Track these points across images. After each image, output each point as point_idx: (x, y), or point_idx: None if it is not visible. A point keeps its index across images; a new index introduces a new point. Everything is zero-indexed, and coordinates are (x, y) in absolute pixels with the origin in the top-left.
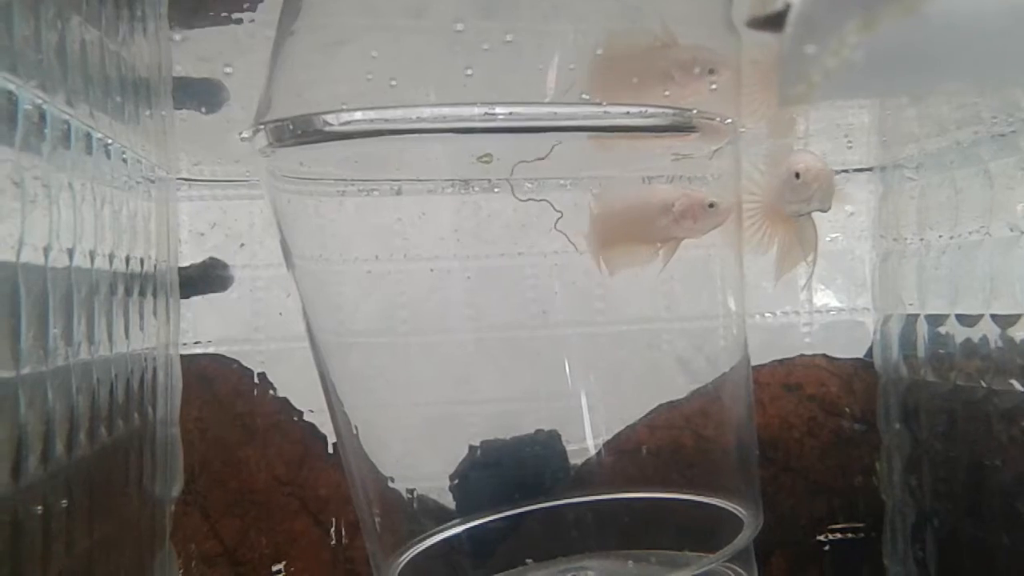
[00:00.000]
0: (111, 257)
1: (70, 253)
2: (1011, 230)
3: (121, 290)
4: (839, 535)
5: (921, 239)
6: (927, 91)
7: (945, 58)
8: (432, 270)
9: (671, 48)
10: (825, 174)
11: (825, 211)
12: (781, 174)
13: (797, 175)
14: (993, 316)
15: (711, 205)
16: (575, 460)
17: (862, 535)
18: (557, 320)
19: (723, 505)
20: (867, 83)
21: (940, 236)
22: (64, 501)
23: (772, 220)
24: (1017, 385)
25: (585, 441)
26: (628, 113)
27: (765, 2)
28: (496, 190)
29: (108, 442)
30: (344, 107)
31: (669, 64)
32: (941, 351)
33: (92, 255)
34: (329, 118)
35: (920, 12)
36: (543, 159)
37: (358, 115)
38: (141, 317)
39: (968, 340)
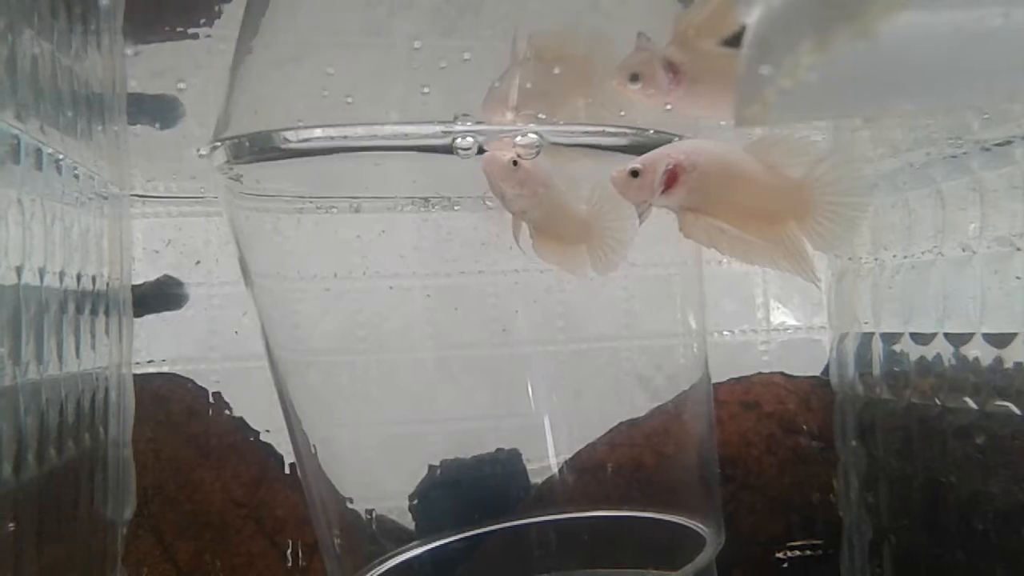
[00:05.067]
0: (61, 275)
1: (18, 271)
2: (963, 250)
3: (72, 308)
4: (798, 552)
5: (876, 259)
6: (880, 113)
7: (898, 80)
8: (391, 288)
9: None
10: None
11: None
12: None
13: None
14: (946, 335)
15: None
16: (536, 479)
17: (820, 552)
18: (518, 338)
19: (685, 523)
20: (822, 104)
21: (894, 256)
22: (11, 524)
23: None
24: (970, 403)
25: (546, 460)
26: (587, 132)
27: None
28: (456, 208)
29: (58, 464)
30: (301, 124)
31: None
32: (896, 369)
33: (42, 273)
34: (288, 135)
35: (873, 35)
36: None
37: (317, 132)
38: (93, 336)
39: (922, 358)
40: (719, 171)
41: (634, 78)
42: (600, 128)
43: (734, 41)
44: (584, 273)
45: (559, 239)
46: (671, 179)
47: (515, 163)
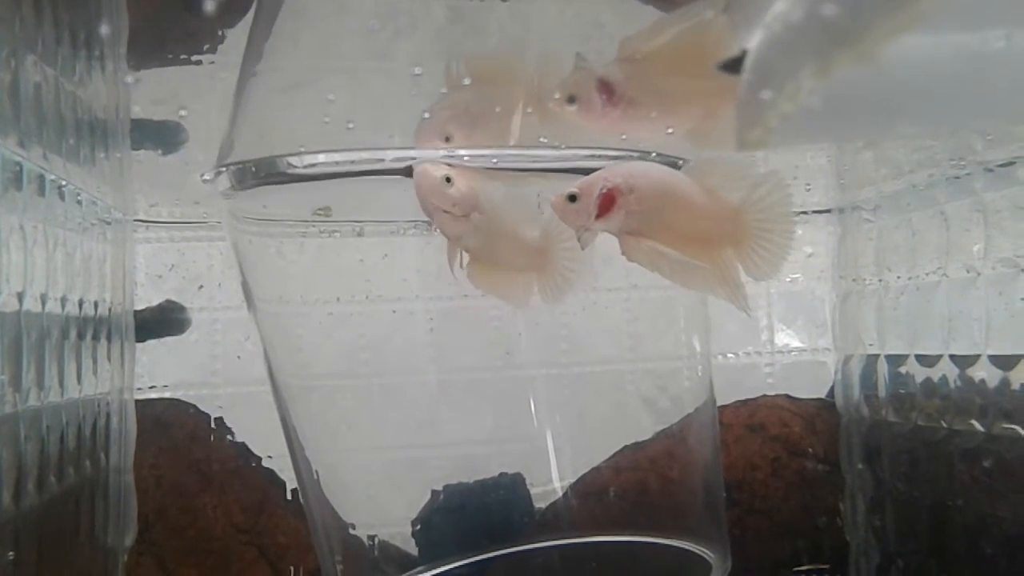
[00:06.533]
0: (63, 301)
1: (20, 297)
2: (967, 271)
3: (74, 334)
4: None
5: (880, 280)
6: (883, 137)
7: (900, 103)
8: (394, 312)
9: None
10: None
11: None
12: None
13: None
14: (952, 356)
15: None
16: (540, 503)
17: None
18: (521, 361)
19: (690, 548)
20: (824, 128)
21: (898, 277)
22: (11, 553)
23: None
24: (977, 425)
25: (550, 484)
26: (591, 155)
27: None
28: None
29: (58, 491)
30: (303, 149)
31: None
32: (902, 391)
33: (43, 299)
34: (292, 160)
35: (874, 59)
36: None
37: (321, 157)
38: (94, 362)
39: (928, 380)
40: (658, 194)
41: (571, 99)
42: (602, 152)
43: (732, 66)
44: (525, 306)
45: (501, 267)
46: (607, 202)
47: (448, 179)
